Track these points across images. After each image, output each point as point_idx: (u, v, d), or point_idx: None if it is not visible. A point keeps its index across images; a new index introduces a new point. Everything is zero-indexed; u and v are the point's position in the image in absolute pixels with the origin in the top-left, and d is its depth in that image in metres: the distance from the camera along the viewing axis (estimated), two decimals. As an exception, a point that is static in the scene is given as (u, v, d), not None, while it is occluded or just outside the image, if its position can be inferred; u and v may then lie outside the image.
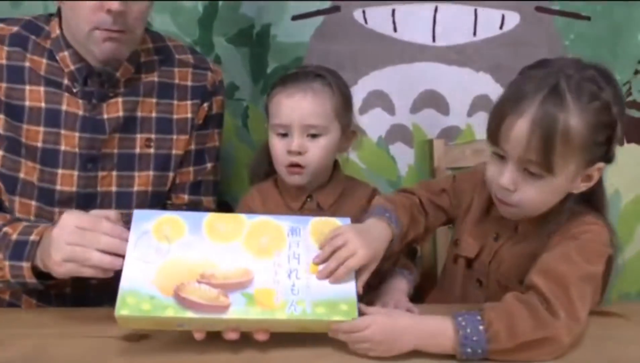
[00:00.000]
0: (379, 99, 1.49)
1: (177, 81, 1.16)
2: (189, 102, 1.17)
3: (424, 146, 1.50)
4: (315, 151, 1.13)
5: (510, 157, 0.89)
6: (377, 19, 1.45)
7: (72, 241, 0.85)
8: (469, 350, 0.81)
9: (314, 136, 1.13)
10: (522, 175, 0.89)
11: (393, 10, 1.46)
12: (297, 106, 1.12)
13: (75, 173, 1.08)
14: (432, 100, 1.49)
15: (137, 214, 0.88)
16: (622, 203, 1.57)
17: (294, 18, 1.45)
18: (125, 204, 1.11)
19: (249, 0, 1.46)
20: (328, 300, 0.83)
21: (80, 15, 1.00)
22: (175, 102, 1.16)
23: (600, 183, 0.95)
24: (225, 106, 1.26)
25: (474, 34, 1.47)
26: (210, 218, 0.89)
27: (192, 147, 1.19)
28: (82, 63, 1.07)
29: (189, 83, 1.17)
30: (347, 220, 0.94)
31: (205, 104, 1.19)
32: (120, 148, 1.11)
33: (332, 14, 1.45)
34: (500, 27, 1.46)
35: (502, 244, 1.01)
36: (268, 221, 0.90)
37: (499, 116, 0.90)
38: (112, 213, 0.90)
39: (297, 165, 1.13)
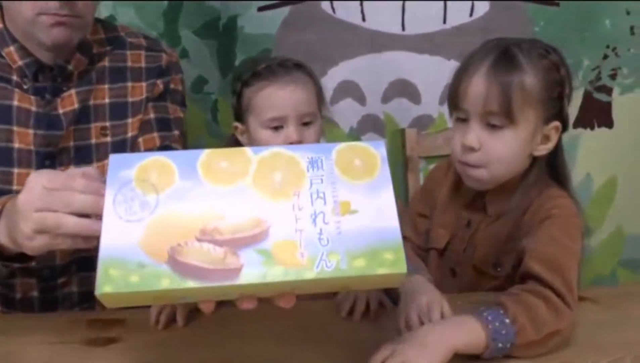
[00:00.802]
0: (350, 90, 1.48)
1: (129, 64, 1.11)
2: (144, 83, 1.11)
3: (396, 135, 1.50)
4: (312, 139, 1.13)
5: (472, 115, 0.92)
6: (345, 8, 1.44)
7: (42, 206, 0.69)
8: (500, 345, 0.79)
9: (306, 124, 1.13)
10: (486, 131, 0.92)
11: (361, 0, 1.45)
12: (291, 96, 1.11)
13: (32, 171, 1.02)
14: (404, 89, 1.48)
15: (114, 159, 0.68)
16: (594, 187, 1.59)
17: (261, 9, 1.43)
18: None
19: (214, -10, 1.43)
20: (367, 247, 0.65)
21: (23, 2, 0.94)
22: (130, 84, 1.10)
23: (560, 151, 0.98)
24: (185, 86, 1.20)
25: (444, 22, 1.46)
26: (208, 156, 0.69)
27: (152, 116, 1.11)
28: (31, 58, 1.02)
29: (143, 65, 1.12)
30: (381, 144, 0.72)
31: (160, 80, 1.13)
32: (76, 139, 1.06)
33: (299, 3, 1.43)
34: (470, 15, 1.46)
35: (475, 229, 1.01)
36: (280, 153, 0.70)
37: (457, 79, 0.94)
38: (90, 169, 0.74)
39: None
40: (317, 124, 1.15)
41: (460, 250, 1.02)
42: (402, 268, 0.64)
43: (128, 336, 0.87)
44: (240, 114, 1.17)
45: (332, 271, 0.63)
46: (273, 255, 0.63)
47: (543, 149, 0.95)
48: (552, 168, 0.98)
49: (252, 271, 0.62)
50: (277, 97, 1.12)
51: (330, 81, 1.45)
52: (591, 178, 1.59)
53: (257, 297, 0.66)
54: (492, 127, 0.91)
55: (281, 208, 0.66)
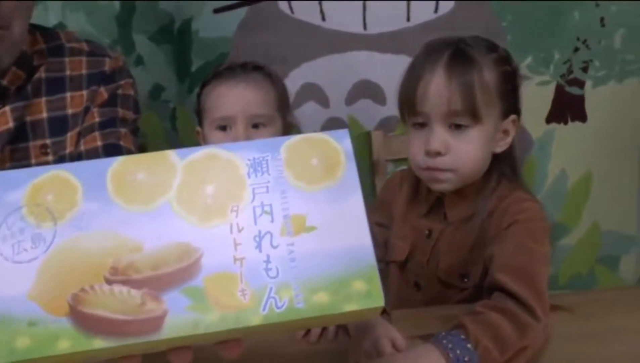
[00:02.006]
0: (312, 92, 1.43)
1: (68, 72, 1.01)
2: (85, 91, 1.01)
3: (362, 139, 1.45)
4: None
5: (434, 118, 0.88)
6: (304, 8, 1.39)
7: None
8: None
9: (257, 127, 1.09)
10: (450, 133, 0.88)
11: (320, -1, 1.40)
12: (240, 96, 1.08)
13: None
14: (368, 90, 1.44)
15: None
16: (568, 183, 1.56)
17: (216, 11, 1.37)
18: None
19: (166, -9, 1.37)
20: (331, 277, 0.50)
21: None
22: (69, 94, 1.00)
23: (514, 145, 0.95)
24: (137, 91, 1.10)
25: (408, 19, 1.41)
26: (120, 165, 0.53)
27: (96, 120, 1.01)
28: None
29: (84, 72, 1.02)
30: (345, 134, 0.56)
31: (104, 88, 1.02)
32: (14, 160, 0.97)
33: (255, 4, 1.37)
34: (435, 12, 1.42)
35: (436, 240, 0.96)
36: (214, 155, 0.54)
37: (411, 84, 0.90)
38: None
39: None
40: (272, 128, 1.10)
41: (423, 262, 0.98)
42: (378, 300, 0.50)
43: None
44: (200, 117, 1.14)
45: (285, 312, 0.49)
46: (206, 295, 0.49)
47: (503, 145, 0.93)
48: (507, 160, 0.95)
49: (178, 320, 0.48)
50: (225, 96, 1.08)
51: (291, 84, 1.39)
52: (566, 174, 1.56)
53: (192, 345, 0.51)
54: (457, 128, 0.88)
55: (215, 231, 0.51)
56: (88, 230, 0.51)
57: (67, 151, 1.00)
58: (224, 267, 0.50)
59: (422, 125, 0.90)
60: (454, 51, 0.89)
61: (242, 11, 1.37)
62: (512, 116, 0.92)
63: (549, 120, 1.51)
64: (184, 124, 1.44)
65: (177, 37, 1.39)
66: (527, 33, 1.44)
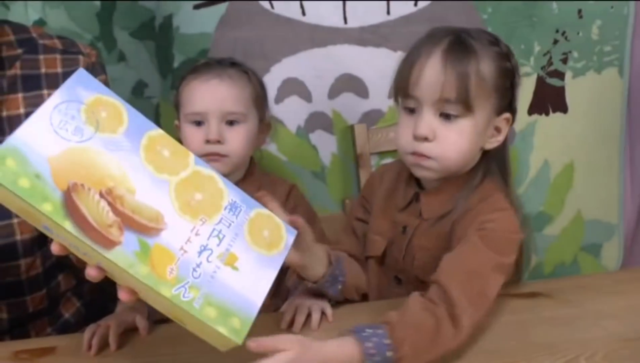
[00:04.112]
0: (294, 87, 1.42)
1: (44, 70, 1.02)
2: None
3: (346, 132, 1.45)
4: (236, 140, 1.06)
5: (425, 103, 0.86)
6: (284, 3, 1.38)
7: None
8: None
9: (231, 123, 1.06)
10: (439, 121, 0.86)
11: (299, -6, 1.40)
12: (214, 92, 1.05)
13: None
14: (350, 84, 1.43)
15: (82, 74, 0.68)
16: (551, 173, 1.57)
17: (196, 7, 1.36)
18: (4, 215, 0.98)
19: (146, -13, 1.37)
20: (225, 303, 0.67)
21: None
22: (45, 91, 1.01)
23: (506, 145, 0.94)
24: (110, 87, 1.12)
25: (388, 12, 1.41)
26: (157, 134, 0.69)
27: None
28: None
29: (59, 70, 1.03)
30: (294, 233, 0.77)
31: None
32: None
33: (235, 0, 1.37)
34: (415, 4, 1.42)
35: (411, 236, 0.95)
36: (213, 178, 0.72)
37: (406, 67, 0.88)
38: None
39: (217, 153, 1.05)
40: (246, 126, 1.08)
41: (399, 258, 0.97)
42: (239, 339, 0.66)
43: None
44: (177, 111, 1.13)
45: (184, 303, 0.64)
46: (149, 254, 0.64)
47: (494, 142, 0.91)
48: (499, 162, 0.93)
49: (123, 255, 0.62)
50: (199, 91, 1.06)
51: (274, 79, 1.39)
52: (549, 165, 1.57)
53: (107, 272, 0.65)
54: (447, 116, 0.86)
55: (183, 223, 0.67)
56: (112, 153, 0.65)
57: None
58: (171, 247, 0.65)
59: (413, 110, 0.88)
60: (455, 39, 0.87)
61: (222, 7, 1.37)
62: (506, 114, 0.90)
63: (530, 111, 1.52)
64: (167, 120, 1.42)
65: (158, 34, 1.39)
66: (507, 25, 1.45)
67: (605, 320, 0.87)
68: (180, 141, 1.10)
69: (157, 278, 0.63)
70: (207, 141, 1.05)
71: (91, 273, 0.65)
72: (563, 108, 1.54)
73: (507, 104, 0.90)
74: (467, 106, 0.85)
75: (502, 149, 0.94)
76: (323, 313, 0.90)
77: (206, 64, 1.11)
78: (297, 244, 0.79)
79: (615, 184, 1.61)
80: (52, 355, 0.85)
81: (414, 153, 0.88)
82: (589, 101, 1.54)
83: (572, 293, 0.96)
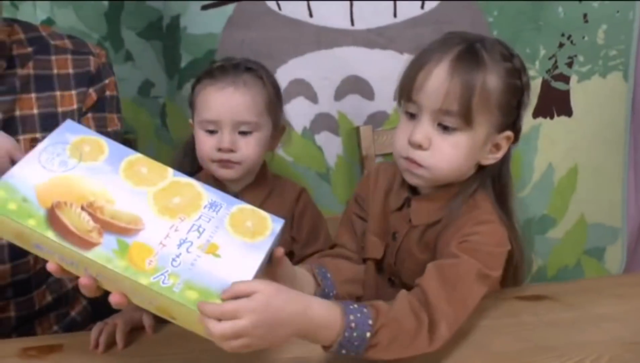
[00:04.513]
0: (301, 88, 1.42)
1: (56, 71, 1.05)
2: (74, 91, 1.05)
3: (351, 134, 1.45)
4: (248, 148, 1.07)
5: (425, 110, 0.84)
6: (291, 4, 1.39)
7: None
8: (343, 351, 0.72)
9: (245, 133, 1.07)
10: (437, 130, 0.85)
11: (307, -5, 1.41)
12: (228, 101, 1.06)
13: None
14: (356, 86, 1.44)
15: (68, 124, 0.79)
16: (555, 177, 1.58)
17: (204, 7, 1.37)
18: None
19: (154, -13, 1.37)
20: (206, 288, 0.68)
21: None
22: (58, 93, 1.04)
23: (506, 163, 0.92)
24: (118, 88, 1.14)
25: (395, 15, 1.42)
26: (135, 158, 0.77)
27: (92, 129, 1.05)
28: None
29: (71, 71, 1.06)
30: (281, 222, 0.78)
31: (92, 89, 1.07)
32: None
33: (243, 1, 1.37)
34: (422, 7, 1.42)
35: (400, 242, 0.94)
36: (192, 185, 0.77)
37: (413, 70, 0.86)
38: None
39: (229, 161, 1.07)
40: (259, 134, 1.09)
41: (391, 263, 0.96)
42: None
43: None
44: (192, 111, 1.14)
45: (164, 289, 0.66)
46: (128, 251, 0.68)
47: (491, 159, 0.89)
48: (495, 179, 0.92)
49: (101, 253, 0.68)
50: (213, 99, 1.07)
51: (280, 80, 1.35)
52: (553, 168, 1.57)
53: (96, 279, 0.69)
54: (445, 128, 0.84)
55: (161, 222, 0.72)
56: (92, 176, 0.74)
57: None
58: (149, 242, 0.70)
59: (413, 116, 0.87)
60: (466, 48, 0.84)
61: (230, 8, 1.37)
62: (508, 133, 0.87)
63: (535, 115, 1.52)
64: (173, 120, 1.44)
65: (165, 34, 1.39)
66: (513, 29, 1.45)
67: (609, 324, 0.88)
68: (192, 138, 1.13)
69: (135, 270, 0.67)
70: (220, 150, 1.06)
71: (83, 282, 0.69)
72: (568, 112, 1.54)
73: (510, 123, 0.87)
74: (466, 120, 0.83)
75: (501, 166, 0.91)
76: None
77: (222, 68, 1.10)
78: (282, 275, 0.79)
79: (618, 188, 1.61)
80: (59, 353, 0.85)
81: (407, 159, 0.87)
82: (594, 105, 1.54)
83: (576, 296, 0.96)
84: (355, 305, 0.74)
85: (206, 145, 1.08)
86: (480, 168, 0.91)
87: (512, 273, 0.93)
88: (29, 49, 1.03)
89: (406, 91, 0.87)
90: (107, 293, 0.72)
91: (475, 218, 0.86)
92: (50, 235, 0.67)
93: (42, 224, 0.68)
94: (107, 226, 0.70)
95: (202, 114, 1.08)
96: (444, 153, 0.85)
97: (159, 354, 0.84)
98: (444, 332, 0.77)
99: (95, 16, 1.37)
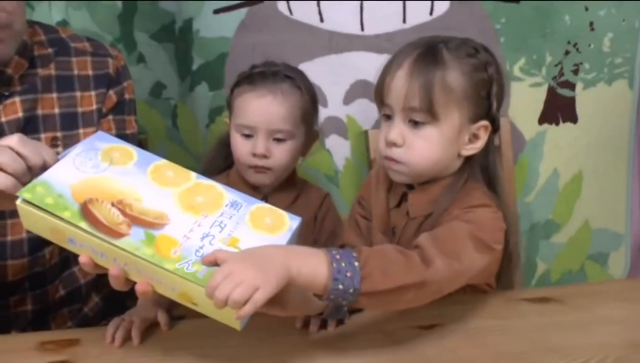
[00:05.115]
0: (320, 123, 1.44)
1: (76, 72, 1.08)
2: (93, 92, 1.08)
3: (360, 137, 1.47)
4: (281, 156, 1.11)
5: (395, 110, 0.91)
6: (302, 9, 1.41)
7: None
8: (340, 286, 0.72)
9: (279, 140, 1.10)
10: (409, 128, 0.91)
11: (318, 0, 1.42)
12: (266, 109, 1.09)
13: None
14: (365, 90, 1.45)
15: (99, 135, 0.86)
16: (560, 183, 1.59)
17: (216, 11, 1.39)
18: None
19: (167, -9, 1.39)
20: None
21: None
22: (78, 93, 1.07)
23: (491, 152, 0.97)
24: (134, 91, 1.18)
25: (404, 21, 1.44)
26: (162, 163, 0.84)
27: (113, 132, 1.10)
28: None
29: (90, 72, 1.09)
30: (298, 219, 0.83)
31: (112, 91, 1.10)
32: None
33: (255, 5, 1.39)
34: (430, 13, 1.44)
35: (399, 236, 0.98)
36: (214, 186, 0.84)
37: (383, 72, 0.94)
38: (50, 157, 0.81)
39: (262, 166, 1.11)
40: (293, 142, 1.12)
41: None
42: None
43: (82, 357, 0.84)
44: (229, 111, 1.17)
45: (188, 274, 0.71)
46: (154, 241, 0.74)
47: (471, 149, 0.94)
48: (483, 169, 0.96)
49: (130, 241, 0.73)
50: (251, 106, 1.10)
51: None
52: (558, 174, 1.59)
53: (125, 270, 0.74)
54: (415, 124, 0.90)
55: (186, 218, 0.78)
56: (122, 178, 0.80)
57: None
58: (174, 235, 0.75)
59: (389, 117, 0.93)
60: (425, 50, 0.91)
61: (242, 12, 1.39)
62: (483, 122, 0.92)
63: (541, 121, 1.55)
64: (184, 121, 1.46)
65: (178, 37, 1.41)
66: (520, 35, 1.47)
67: (614, 326, 0.89)
68: (227, 135, 1.17)
69: (162, 257, 0.72)
70: (254, 155, 1.10)
71: (113, 273, 0.75)
72: (573, 118, 1.56)
73: (483, 113, 0.92)
74: (431, 114, 0.89)
75: (487, 156, 0.96)
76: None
77: (262, 74, 1.12)
78: (294, 296, 0.77)
79: (623, 194, 1.62)
80: (77, 346, 0.87)
81: (387, 157, 0.94)
82: (599, 112, 1.55)
83: (582, 299, 0.98)
84: (337, 249, 0.75)
85: (242, 150, 1.11)
86: (468, 160, 0.95)
87: (507, 257, 0.94)
88: (50, 50, 1.06)
89: (378, 94, 0.95)
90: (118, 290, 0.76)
91: (468, 202, 0.90)
92: (84, 225, 0.73)
93: (75, 216, 0.74)
94: (135, 221, 0.75)
95: (239, 118, 1.11)
96: (417, 148, 0.91)
97: (174, 349, 0.86)
98: (439, 265, 0.77)
99: (109, 18, 1.39)
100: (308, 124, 1.15)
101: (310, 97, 1.15)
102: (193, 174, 0.84)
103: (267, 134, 1.10)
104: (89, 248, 0.74)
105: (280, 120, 1.09)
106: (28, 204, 0.74)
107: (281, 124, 1.10)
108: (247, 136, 1.11)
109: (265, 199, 1.13)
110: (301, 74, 1.17)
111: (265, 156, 1.10)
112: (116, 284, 0.75)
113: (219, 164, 1.20)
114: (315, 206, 1.19)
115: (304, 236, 0.87)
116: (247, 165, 1.12)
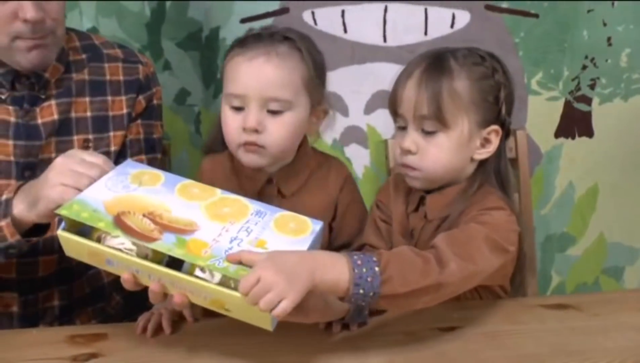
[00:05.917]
0: (332, 101, 1.46)
1: (108, 77, 1.11)
2: (124, 97, 1.12)
3: (380, 147, 1.50)
4: (276, 131, 0.94)
5: (408, 120, 0.95)
6: (327, 19, 1.44)
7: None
8: (361, 290, 0.75)
9: (275, 112, 0.94)
10: (422, 136, 0.94)
11: (342, 11, 1.45)
12: (257, 74, 0.92)
13: (13, 182, 1.02)
14: (386, 100, 1.41)
15: (129, 162, 0.92)
16: (575, 196, 1.61)
17: (243, 21, 1.43)
18: None
19: (196, 0, 1.42)
20: None
21: None
22: (110, 98, 1.11)
23: (502, 156, 0.99)
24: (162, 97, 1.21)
25: (425, 33, 1.47)
26: (189, 182, 0.88)
27: (141, 136, 1.14)
28: (6, 68, 1.01)
29: (121, 78, 1.12)
30: (320, 223, 0.85)
31: (142, 97, 1.14)
32: (58, 151, 1.05)
33: (281, 15, 1.43)
34: (451, 26, 1.47)
35: (417, 238, 1.00)
36: (239, 200, 0.87)
37: (395, 85, 0.97)
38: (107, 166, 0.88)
39: (254, 143, 0.95)
40: (292, 114, 0.95)
41: None
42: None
43: (110, 351, 0.86)
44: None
45: (220, 269, 0.75)
46: (186, 244, 0.78)
47: (484, 153, 0.96)
48: (496, 173, 0.99)
49: (163, 244, 0.77)
50: (241, 71, 0.93)
51: None
52: (573, 187, 1.60)
53: (160, 282, 0.78)
54: (427, 133, 0.93)
55: (214, 225, 0.82)
56: (151, 195, 0.85)
57: (112, 149, 1.10)
58: (204, 239, 0.79)
59: (403, 128, 0.96)
60: (433, 60, 0.94)
61: (268, 21, 1.43)
62: (493, 127, 0.95)
63: (557, 135, 1.57)
64: (207, 127, 1.49)
65: (204, 44, 1.45)
66: (539, 50, 1.50)
67: (632, 332, 0.90)
68: None
69: (193, 256, 0.76)
70: (244, 129, 0.94)
71: (153, 288, 0.79)
72: (589, 133, 1.58)
73: (493, 117, 0.95)
74: (441, 121, 0.92)
75: (500, 161, 0.99)
76: None
77: (257, 35, 0.97)
78: (316, 302, 0.80)
79: (638, 208, 1.63)
80: (105, 341, 0.89)
81: (402, 165, 0.97)
82: (615, 127, 1.57)
83: (599, 307, 0.99)
84: (357, 253, 0.79)
85: (230, 124, 0.95)
86: (481, 165, 0.98)
87: (521, 259, 0.97)
88: (83, 56, 1.10)
89: (392, 105, 0.98)
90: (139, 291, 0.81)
91: (484, 205, 0.93)
92: (118, 233, 0.78)
93: (109, 225, 0.79)
94: (166, 228, 0.80)
95: (228, 87, 0.95)
96: (430, 154, 0.94)
97: (197, 345, 0.88)
98: (454, 268, 0.80)
99: (137, 26, 1.43)
100: (312, 95, 0.98)
101: (313, 63, 0.97)
102: (218, 191, 0.88)
103: (260, 104, 0.93)
104: (126, 267, 0.79)
105: (274, 86, 0.92)
106: (67, 232, 0.79)
107: (276, 91, 0.92)
108: (238, 109, 0.94)
109: (270, 181, 1.01)
110: (305, 37, 1.00)
111: (257, 131, 0.93)
112: (154, 299, 0.80)
113: (218, 147, 1.06)
114: (333, 191, 1.05)
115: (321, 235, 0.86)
116: (237, 143, 0.96)
